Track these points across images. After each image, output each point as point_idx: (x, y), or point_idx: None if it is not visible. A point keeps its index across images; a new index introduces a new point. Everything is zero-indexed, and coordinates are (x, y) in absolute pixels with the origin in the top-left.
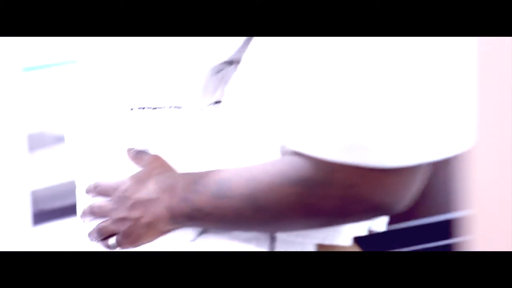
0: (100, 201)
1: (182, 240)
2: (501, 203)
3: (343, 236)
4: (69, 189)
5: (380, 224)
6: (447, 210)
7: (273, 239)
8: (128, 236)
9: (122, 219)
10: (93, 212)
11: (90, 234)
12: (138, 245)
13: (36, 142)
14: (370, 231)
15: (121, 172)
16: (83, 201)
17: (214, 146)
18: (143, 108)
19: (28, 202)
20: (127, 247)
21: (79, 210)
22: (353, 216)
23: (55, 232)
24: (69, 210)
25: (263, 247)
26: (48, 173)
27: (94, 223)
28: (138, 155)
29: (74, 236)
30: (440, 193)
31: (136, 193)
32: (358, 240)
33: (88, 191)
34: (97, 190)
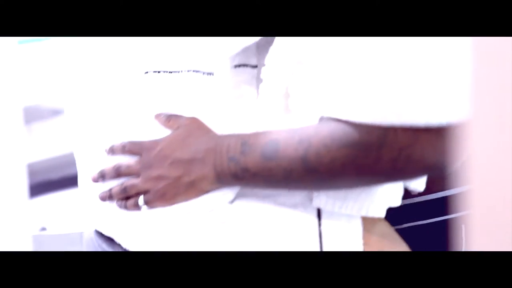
0: (127, 160)
1: (221, 201)
2: (499, 180)
3: (378, 207)
4: (66, 161)
5: (419, 184)
6: (444, 187)
7: (319, 211)
8: (162, 195)
9: (158, 178)
10: (119, 172)
11: (109, 195)
12: (171, 204)
13: (32, 115)
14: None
15: (132, 137)
16: (87, 167)
17: (244, 111)
18: (159, 72)
19: (24, 174)
20: (156, 206)
21: (89, 172)
22: (405, 176)
23: (52, 204)
24: (66, 182)
25: (310, 214)
26: (44, 145)
27: (108, 185)
28: (170, 118)
29: (71, 207)
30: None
31: (176, 152)
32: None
33: (112, 151)
34: (126, 149)
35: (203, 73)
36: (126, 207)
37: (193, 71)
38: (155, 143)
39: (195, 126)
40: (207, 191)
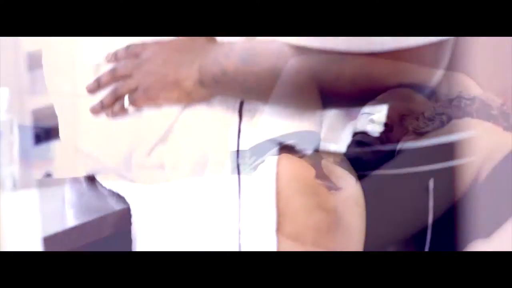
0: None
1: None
2: None
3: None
4: None
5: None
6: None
7: (238, 166)
8: (147, 90)
9: (147, 73)
10: (115, 74)
11: (101, 105)
12: (154, 104)
13: (36, 62)
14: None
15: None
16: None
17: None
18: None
19: (29, 121)
20: (141, 105)
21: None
22: None
23: (56, 150)
24: None
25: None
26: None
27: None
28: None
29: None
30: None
31: (176, 52)
32: (366, 165)
33: (115, 58)
34: (130, 51)
35: None
36: (113, 114)
37: None
38: (154, 42)
39: (215, 40)
40: (190, 96)
